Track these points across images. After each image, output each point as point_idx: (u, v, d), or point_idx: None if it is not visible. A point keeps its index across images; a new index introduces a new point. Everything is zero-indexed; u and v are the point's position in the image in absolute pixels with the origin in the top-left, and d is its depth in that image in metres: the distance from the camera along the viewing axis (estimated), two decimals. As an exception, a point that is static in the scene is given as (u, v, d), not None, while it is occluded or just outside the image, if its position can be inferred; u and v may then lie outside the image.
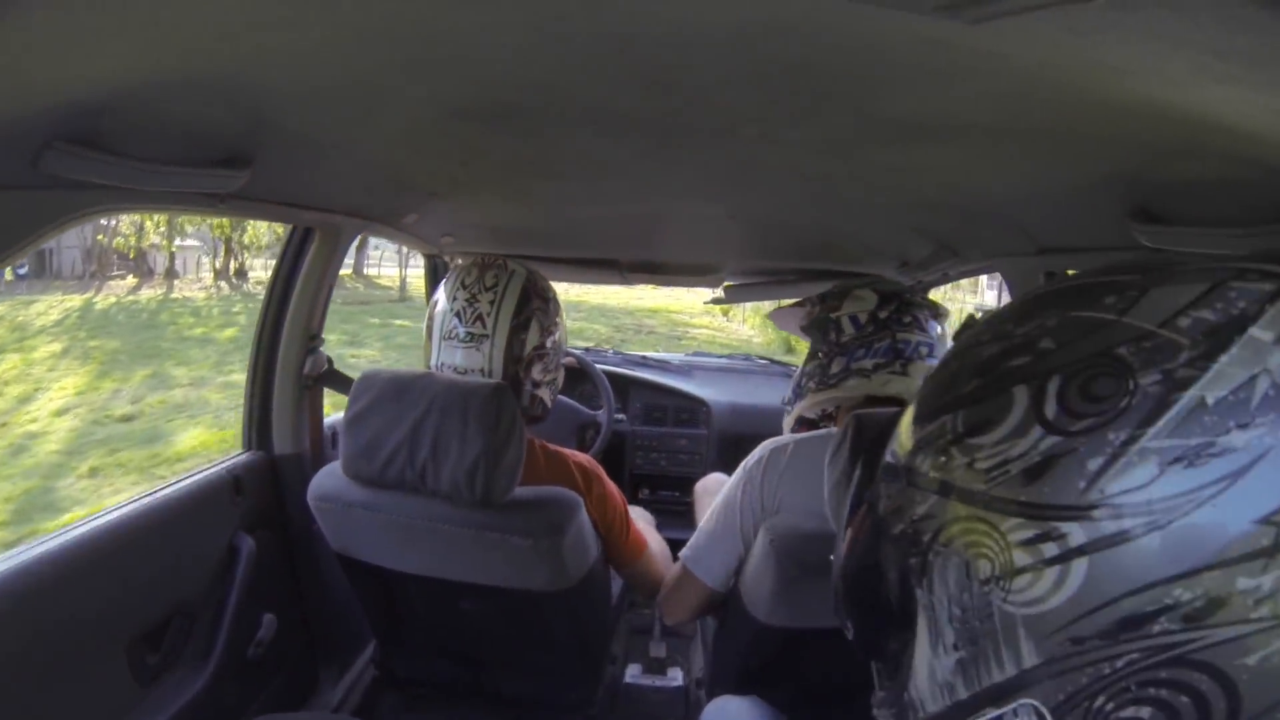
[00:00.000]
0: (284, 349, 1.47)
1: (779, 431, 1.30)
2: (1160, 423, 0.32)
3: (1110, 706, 0.32)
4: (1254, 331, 0.32)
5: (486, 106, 0.77)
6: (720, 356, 3.04)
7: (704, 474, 2.43)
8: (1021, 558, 0.34)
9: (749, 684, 0.95)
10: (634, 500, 2.51)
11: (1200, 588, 0.30)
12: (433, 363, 1.23)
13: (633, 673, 1.71)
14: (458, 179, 1.19)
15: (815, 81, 0.64)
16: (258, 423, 1.49)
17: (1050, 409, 0.35)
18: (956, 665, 0.38)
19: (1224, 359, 0.32)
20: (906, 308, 1.17)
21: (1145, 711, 0.32)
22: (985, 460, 0.36)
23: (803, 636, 1.03)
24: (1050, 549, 0.33)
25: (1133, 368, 0.34)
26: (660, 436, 2.48)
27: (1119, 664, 0.32)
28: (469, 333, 1.20)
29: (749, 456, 1.20)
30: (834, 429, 1.22)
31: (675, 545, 2.24)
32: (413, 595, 1.26)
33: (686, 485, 2.49)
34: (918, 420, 0.43)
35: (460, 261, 1.29)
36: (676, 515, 2.42)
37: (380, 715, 1.52)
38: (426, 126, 0.86)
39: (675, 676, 1.70)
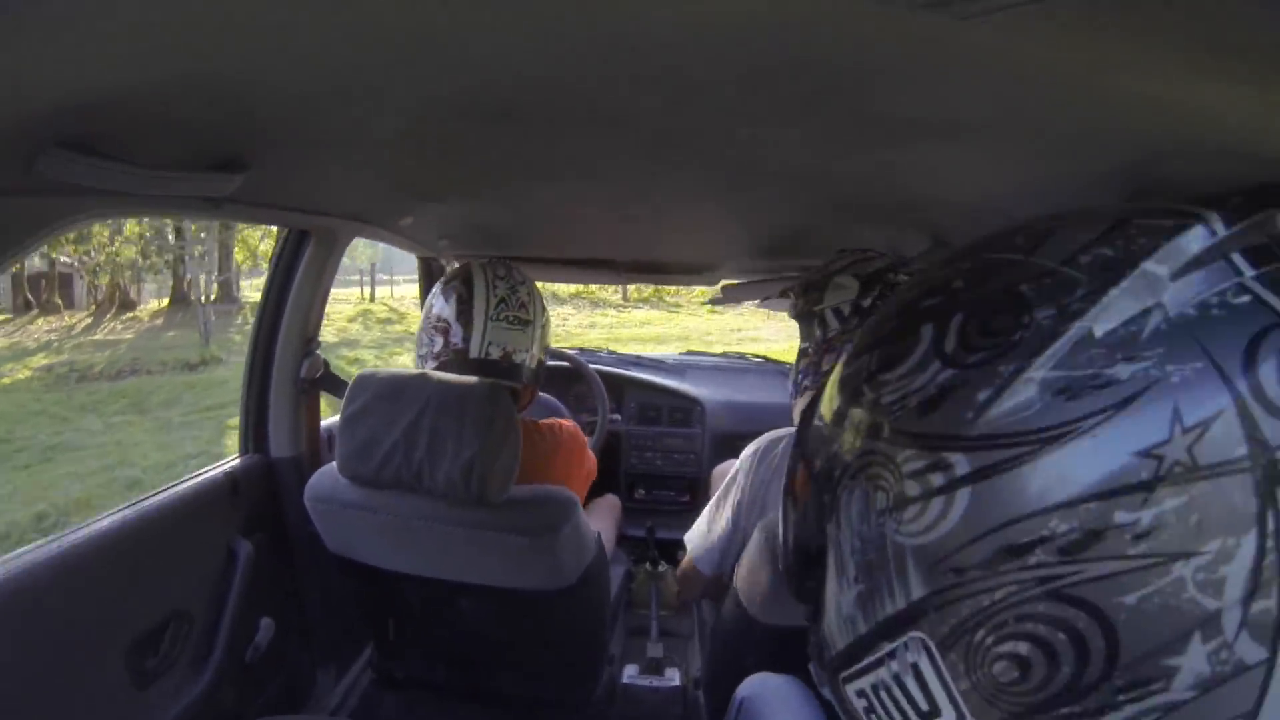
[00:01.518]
0: (280, 352, 1.47)
1: (774, 429, 1.30)
2: (1047, 353, 0.32)
3: (990, 640, 0.33)
4: (1147, 265, 0.32)
5: (482, 108, 0.77)
6: (714, 355, 3.03)
7: (699, 473, 2.44)
8: (912, 488, 0.35)
9: None
10: (630, 500, 2.51)
11: (1076, 519, 0.30)
12: (475, 343, 1.26)
13: (630, 673, 1.71)
14: (454, 181, 1.19)
15: (809, 80, 0.64)
16: (254, 426, 1.49)
17: (950, 344, 0.36)
18: (857, 598, 0.39)
19: (1114, 292, 0.32)
20: (891, 290, 1.14)
21: (1024, 647, 0.32)
22: (889, 395, 0.37)
23: (800, 634, 1.03)
24: (937, 479, 0.34)
25: (1031, 303, 0.34)
26: (655, 436, 2.48)
27: (997, 595, 0.32)
28: (517, 317, 1.28)
29: (746, 448, 1.21)
30: None
31: (672, 545, 2.25)
32: (410, 596, 1.26)
33: (682, 484, 2.49)
34: (845, 363, 0.43)
35: (459, 264, 1.33)
36: (672, 515, 2.42)
37: (378, 717, 1.52)
38: (422, 129, 0.86)
39: (672, 676, 1.70)
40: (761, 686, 0.77)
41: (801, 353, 1.25)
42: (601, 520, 1.66)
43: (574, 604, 1.22)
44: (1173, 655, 0.29)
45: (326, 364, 1.54)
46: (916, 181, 1.05)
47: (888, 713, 0.38)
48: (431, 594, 1.24)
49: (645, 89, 0.68)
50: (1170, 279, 0.31)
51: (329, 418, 1.64)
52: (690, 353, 3.09)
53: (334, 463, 1.17)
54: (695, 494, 2.46)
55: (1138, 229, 0.33)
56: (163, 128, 0.72)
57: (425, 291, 2.20)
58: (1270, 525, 0.28)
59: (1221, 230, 0.31)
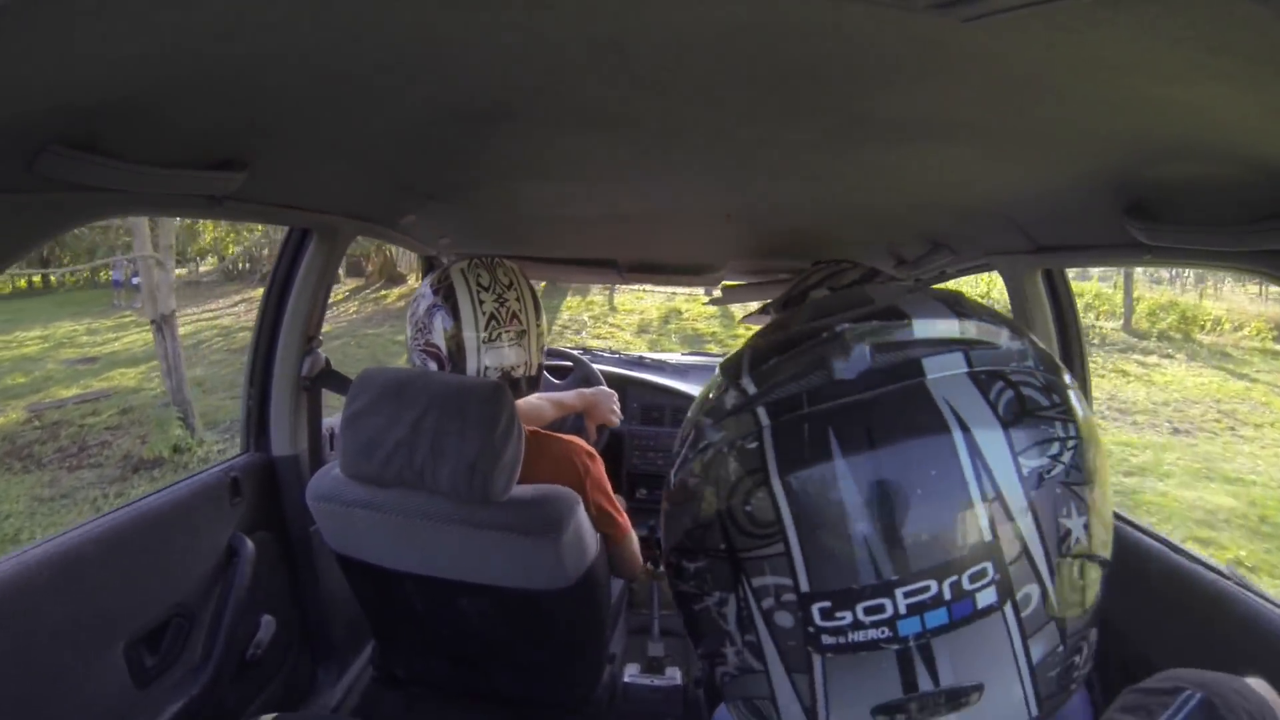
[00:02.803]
0: (281, 350, 1.47)
1: None
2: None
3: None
4: (700, 417, 0.51)
5: (482, 108, 0.77)
6: (716, 355, 3.04)
7: None
8: None
9: None
10: (631, 499, 2.51)
11: (674, 557, 0.52)
12: (471, 370, 1.22)
13: (631, 672, 1.70)
14: (454, 180, 1.19)
15: (809, 81, 0.64)
16: (256, 424, 1.49)
17: None
18: None
19: (692, 435, 0.52)
20: None
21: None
22: None
23: None
24: None
25: None
26: (657, 436, 2.48)
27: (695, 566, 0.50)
28: (512, 332, 1.23)
29: None
30: None
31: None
32: (411, 594, 1.26)
33: None
34: None
35: (444, 265, 1.28)
36: None
37: (379, 715, 1.52)
38: (423, 128, 0.86)
39: (673, 676, 1.69)
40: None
41: None
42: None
43: (575, 604, 1.22)
44: (722, 647, 0.47)
45: (328, 361, 1.54)
46: (916, 182, 1.04)
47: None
48: (433, 593, 1.24)
49: (646, 90, 0.68)
50: (711, 428, 0.47)
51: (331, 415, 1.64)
52: (693, 352, 3.09)
53: (335, 461, 1.17)
54: None
55: (714, 386, 0.50)
56: (164, 127, 0.73)
57: None
58: (742, 592, 0.43)
59: (751, 390, 0.45)
